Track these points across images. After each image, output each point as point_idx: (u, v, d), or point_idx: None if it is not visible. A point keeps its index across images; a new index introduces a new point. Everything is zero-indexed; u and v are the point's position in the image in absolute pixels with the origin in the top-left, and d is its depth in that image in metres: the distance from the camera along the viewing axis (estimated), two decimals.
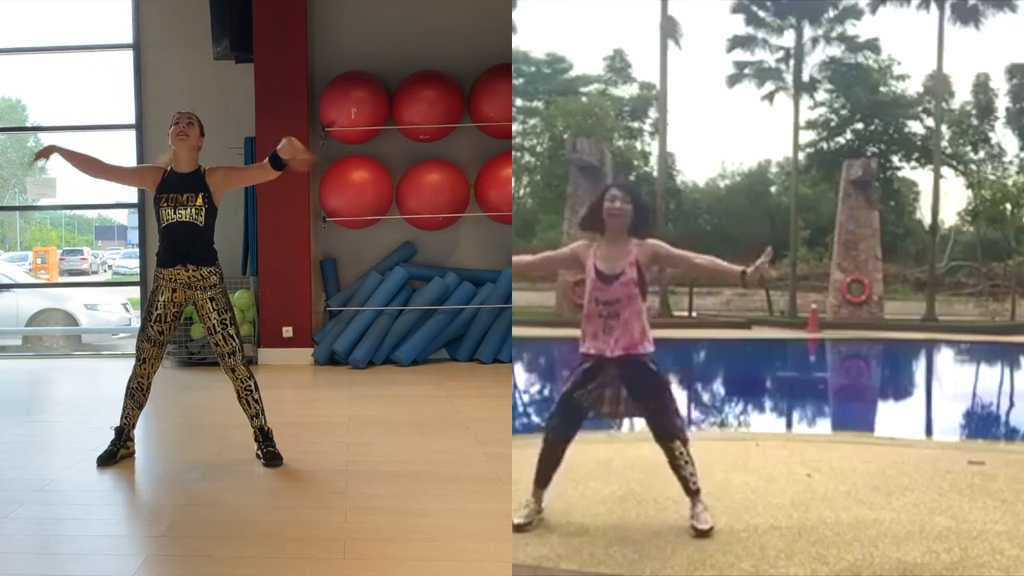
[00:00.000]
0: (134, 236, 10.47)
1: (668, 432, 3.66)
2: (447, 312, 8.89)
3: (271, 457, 5.23)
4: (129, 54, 9.54)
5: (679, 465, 3.67)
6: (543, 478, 3.74)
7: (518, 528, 3.66)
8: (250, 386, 5.24)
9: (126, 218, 10.63)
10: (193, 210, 5.14)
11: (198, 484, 4.97)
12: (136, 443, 5.47)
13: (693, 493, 3.66)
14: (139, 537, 4.24)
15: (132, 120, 9.59)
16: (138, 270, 10.05)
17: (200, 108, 9.28)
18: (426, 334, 8.84)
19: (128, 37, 9.54)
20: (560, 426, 3.72)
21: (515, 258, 3.85)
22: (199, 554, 3.94)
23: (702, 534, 3.55)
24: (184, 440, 6.11)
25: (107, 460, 5.24)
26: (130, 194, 9.93)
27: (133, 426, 5.38)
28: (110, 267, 20.74)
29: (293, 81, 8.90)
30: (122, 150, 9.80)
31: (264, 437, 5.29)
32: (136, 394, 5.32)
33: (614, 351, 3.63)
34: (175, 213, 5.13)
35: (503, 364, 8.82)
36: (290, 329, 8.92)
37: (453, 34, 9.15)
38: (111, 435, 5.35)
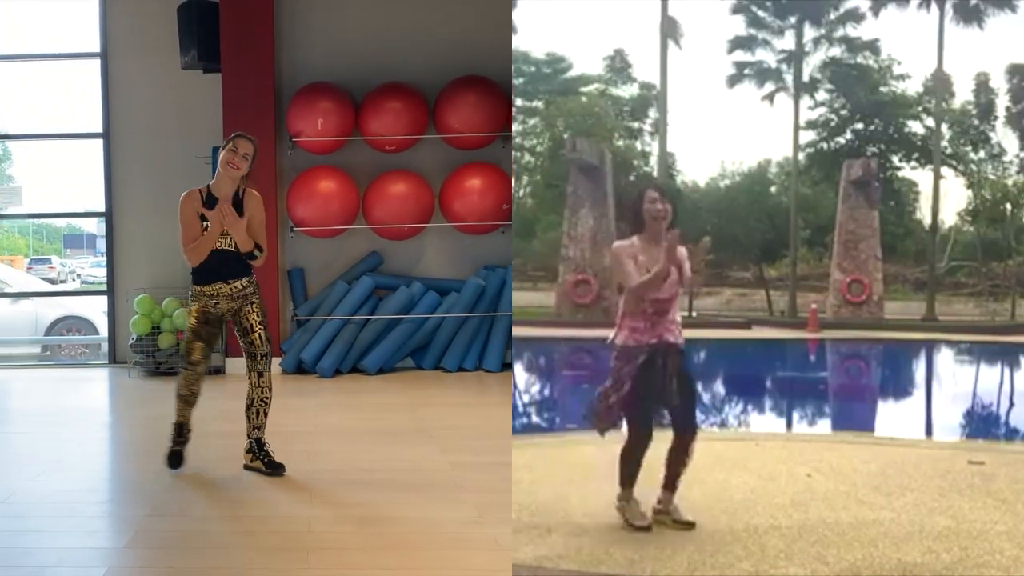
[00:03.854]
0: (104, 245, 10.18)
1: (693, 426, 3.72)
2: (413, 321, 8.91)
3: (274, 466, 5.26)
4: (97, 63, 9.45)
5: (684, 461, 3.71)
6: (630, 480, 3.76)
7: (644, 529, 3.66)
8: (268, 397, 5.30)
9: (96, 227, 10.23)
10: (233, 238, 5.13)
11: (163, 494, 4.95)
12: (105, 454, 5.45)
13: (675, 488, 3.73)
14: (102, 549, 4.19)
15: (99, 129, 9.51)
16: (105, 279, 9.87)
17: (167, 118, 9.42)
18: (392, 343, 8.88)
19: (96, 46, 9.46)
20: (640, 424, 3.72)
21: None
22: (161, 566, 3.94)
23: (687, 526, 3.62)
24: (151, 450, 6.02)
25: (176, 460, 5.32)
26: (98, 203, 9.79)
27: (189, 421, 5.40)
28: (79, 276, 20.51)
29: (260, 91, 8.93)
30: (89, 159, 9.72)
31: (260, 447, 5.34)
32: (191, 399, 5.34)
33: (665, 342, 3.69)
34: (218, 240, 5.12)
35: (468, 372, 8.86)
36: None
37: (418, 46, 9.23)
38: (78, 448, 5.35)
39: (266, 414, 5.33)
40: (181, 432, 5.39)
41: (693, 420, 3.73)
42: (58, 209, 11.91)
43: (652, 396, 3.69)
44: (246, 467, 5.35)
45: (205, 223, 5.09)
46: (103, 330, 10.53)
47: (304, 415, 7.10)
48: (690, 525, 3.66)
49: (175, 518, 4.57)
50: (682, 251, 3.75)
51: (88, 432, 6.73)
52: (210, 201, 5.13)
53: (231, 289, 5.21)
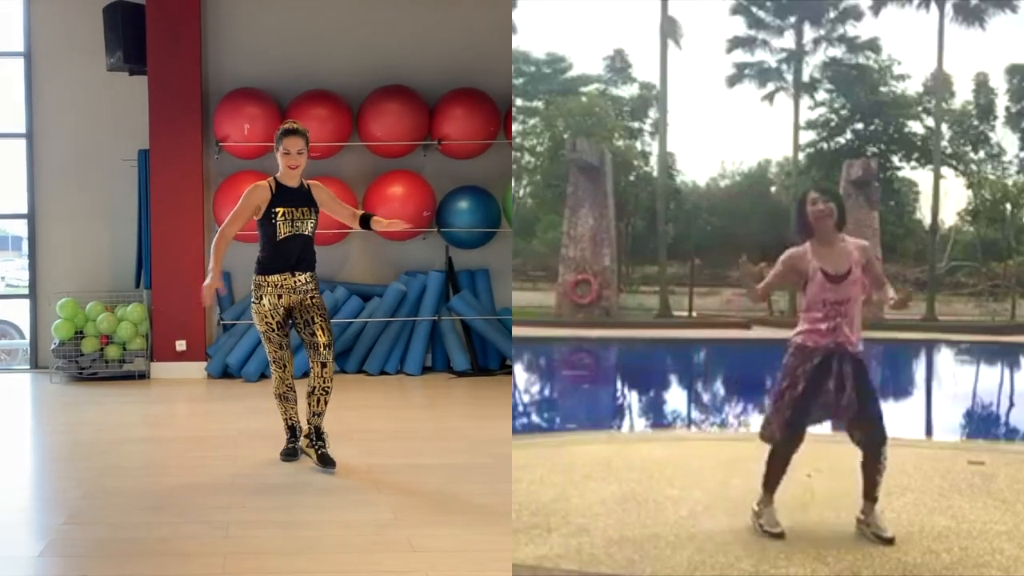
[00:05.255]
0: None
1: (881, 432, 3.70)
2: (336, 325, 8.91)
3: (325, 460, 5.37)
4: (20, 62, 9.31)
5: (880, 469, 3.69)
6: (774, 483, 3.74)
7: (777, 536, 3.61)
8: (329, 387, 5.45)
9: (23, 229, 9.73)
10: (308, 224, 5.41)
11: (80, 502, 4.89)
12: (22, 461, 5.56)
13: (876, 499, 3.68)
14: (14, 559, 4.11)
15: (22, 129, 9.35)
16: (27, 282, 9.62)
17: (93, 119, 9.33)
18: None
19: (19, 45, 9.32)
20: (796, 425, 3.71)
21: (751, 293, 3.85)
22: (76, 574, 3.91)
23: (887, 542, 3.54)
24: (69, 456, 6.01)
25: (290, 455, 5.55)
26: (22, 205, 9.52)
27: (298, 420, 5.60)
28: (2, 279, 20.16)
29: (187, 95, 8.90)
30: (11, 159, 9.51)
31: (319, 436, 5.45)
32: (288, 395, 5.59)
33: (847, 347, 3.65)
34: (292, 227, 5.36)
35: (389, 376, 8.93)
36: (183, 342, 8.81)
37: (343, 55, 9.27)
38: None
39: (327, 403, 5.45)
40: (293, 432, 5.61)
41: (881, 426, 3.69)
42: None
43: (820, 401, 3.66)
44: (301, 450, 5.55)
45: (274, 217, 5.30)
46: (26, 334, 10.11)
47: (228, 420, 7.08)
48: (889, 541, 3.54)
49: (92, 526, 4.51)
50: (866, 253, 3.74)
51: (5, 439, 6.66)
52: (280, 192, 5.37)
53: (295, 282, 5.40)
